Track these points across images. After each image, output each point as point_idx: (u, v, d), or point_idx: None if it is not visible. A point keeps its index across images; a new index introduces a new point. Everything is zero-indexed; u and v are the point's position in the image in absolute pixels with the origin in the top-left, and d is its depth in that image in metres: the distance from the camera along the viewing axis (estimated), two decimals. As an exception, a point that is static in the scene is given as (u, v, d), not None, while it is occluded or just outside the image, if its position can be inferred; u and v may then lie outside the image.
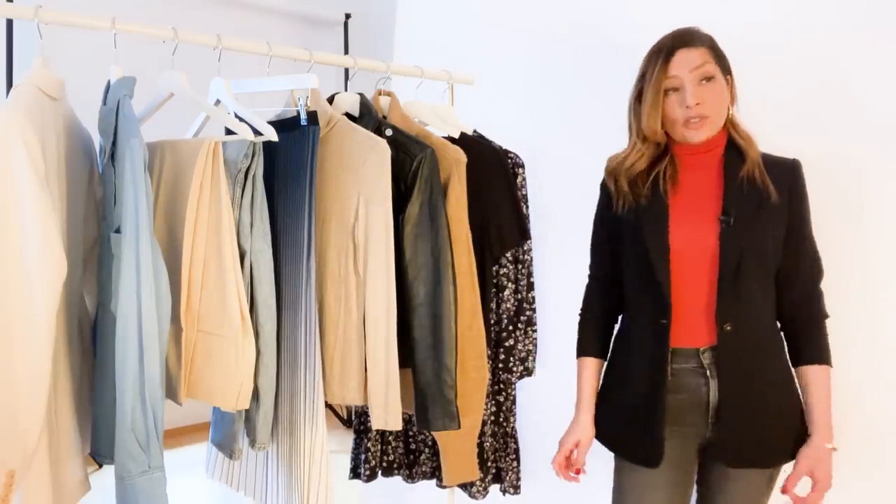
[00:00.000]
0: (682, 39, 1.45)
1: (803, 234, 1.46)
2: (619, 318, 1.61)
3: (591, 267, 1.65)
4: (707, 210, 1.45)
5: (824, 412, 1.43)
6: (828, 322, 1.48)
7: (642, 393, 1.48)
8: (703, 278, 1.43)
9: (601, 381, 1.61)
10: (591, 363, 1.60)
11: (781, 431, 1.45)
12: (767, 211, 1.43)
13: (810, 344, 1.45)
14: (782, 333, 1.49)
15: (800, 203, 1.46)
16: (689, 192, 1.48)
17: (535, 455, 2.09)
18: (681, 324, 1.45)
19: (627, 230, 1.52)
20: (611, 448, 1.57)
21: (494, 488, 2.01)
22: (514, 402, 1.99)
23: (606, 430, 1.57)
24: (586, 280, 1.66)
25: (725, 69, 1.47)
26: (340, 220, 1.59)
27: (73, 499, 1.46)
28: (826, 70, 1.69)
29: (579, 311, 1.65)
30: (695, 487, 1.57)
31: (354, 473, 2.03)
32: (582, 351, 1.62)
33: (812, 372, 1.44)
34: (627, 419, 1.52)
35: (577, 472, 1.59)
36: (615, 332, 1.62)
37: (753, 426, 1.43)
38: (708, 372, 1.44)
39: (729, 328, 1.41)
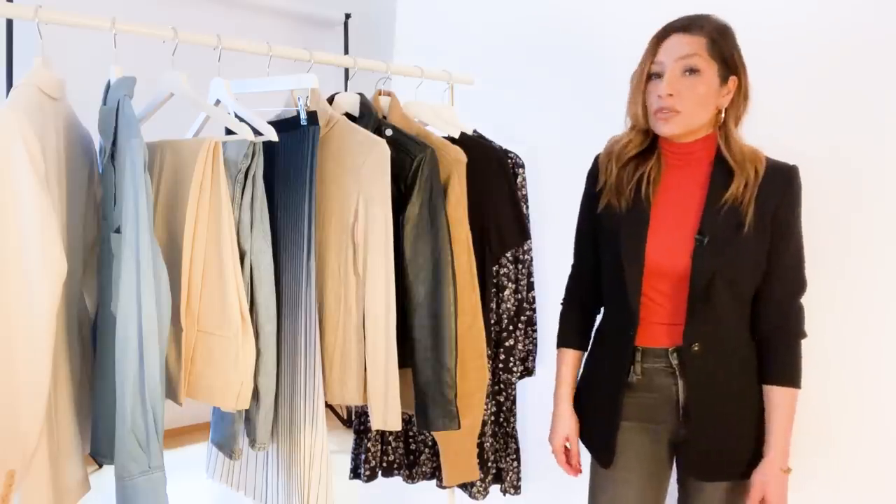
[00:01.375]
0: (682, 24, 1.38)
1: (787, 244, 1.40)
2: (602, 309, 1.61)
3: (574, 256, 1.64)
4: (685, 223, 1.41)
5: (781, 434, 1.39)
6: (814, 337, 1.44)
7: (605, 393, 1.49)
8: (672, 291, 1.41)
9: (581, 371, 1.61)
10: (568, 354, 1.61)
11: (748, 445, 1.42)
12: (745, 237, 1.37)
13: (779, 363, 1.41)
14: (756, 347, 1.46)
15: (788, 212, 1.39)
16: (670, 202, 1.44)
17: (535, 455, 2.09)
18: (650, 328, 1.44)
19: (606, 233, 1.50)
20: (582, 440, 1.58)
21: (495, 489, 2.01)
22: (514, 403, 1.99)
23: (581, 423, 1.58)
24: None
25: (728, 68, 1.38)
26: (340, 220, 1.59)
27: (73, 499, 1.46)
28: (829, 69, 1.67)
29: (561, 301, 1.66)
30: (671, 487, 1.57)
31: (354, 474, 2.03)
32: (560, 342, 1.63)
33: (775, 392, 1.40)
34: (593, 414, 1.54)
35: (579, 464, 1.60)
36: (596, 324, 1.62)
37: (717, 437, 1.41)
38: (677, 372, 1.43)
39: (697, 349, 1.39)
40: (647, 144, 1.47)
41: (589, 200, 1.57)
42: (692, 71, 1.36)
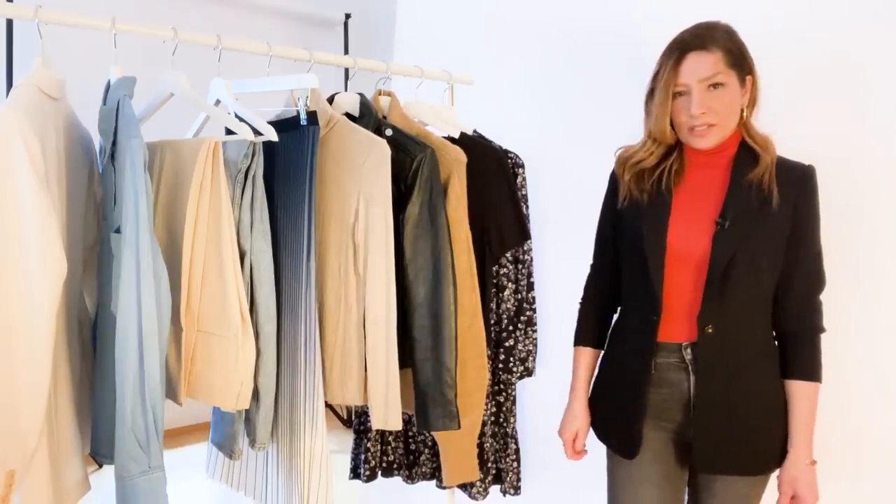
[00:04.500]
0: (698, 40, 1.41)
1: (805, 243, 1.42)
2: (619, 308, 1.62)
3: (594, 256, 1.66)
4: (706, 210, 1.44)
5: (803, 429, 1.41)
6: (833, 333, 1.45)
7: (628, 385, 1.50)
8: (692, 277, 1.42)
9: (597, 370, 1.62)
10: (585, 352, 1.63)
11: (760, 440, 1.43)
12: (768, 217, 1.40)
13: (798, 358, 1.43)
14: (777, 343, 1.47)
15: (806, 211, 1.42)
16: (692, 191, 1.47)
17: (535, 455, 2.09)
18: (668, 319, 1.45)
19: (628, 225, 1.52)
20: (599, 437, 1.59)
21: (494, 489, 2.01)
22: (514, 403, 1.99)
23: (597, 420, 1.60)
24: (588, 269, 1.67)
25: (744, 70, 1.43)
26: (340, 220, 1.59)
27: (72, 499, 1.46)
28: (842, 68, 1.67)
29: (579, 300, 1.67)
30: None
31: (354, 474, 2.03)
32: (578, 340, 1.65)
33: (796, 387, 1.42)
34: (614, 410, 1.55)
35: (582, 448, 1.62)
36: (613, 322, 1.63)
37: (728, 430, 1.42)
38: (690, 367, 1.44)
39: (710, 331, 1.40)
40: (669, 152, 1.50)
41: (610, 199, 1.60)
42: (718, 85, 1.40)
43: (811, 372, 1.43)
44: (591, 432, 1.62)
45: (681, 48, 1.42)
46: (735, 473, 1.44)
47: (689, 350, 1.44)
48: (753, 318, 1.44)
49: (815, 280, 1.44)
